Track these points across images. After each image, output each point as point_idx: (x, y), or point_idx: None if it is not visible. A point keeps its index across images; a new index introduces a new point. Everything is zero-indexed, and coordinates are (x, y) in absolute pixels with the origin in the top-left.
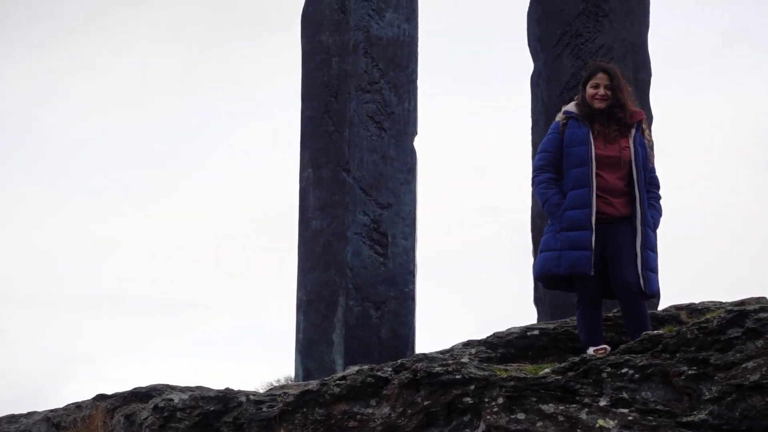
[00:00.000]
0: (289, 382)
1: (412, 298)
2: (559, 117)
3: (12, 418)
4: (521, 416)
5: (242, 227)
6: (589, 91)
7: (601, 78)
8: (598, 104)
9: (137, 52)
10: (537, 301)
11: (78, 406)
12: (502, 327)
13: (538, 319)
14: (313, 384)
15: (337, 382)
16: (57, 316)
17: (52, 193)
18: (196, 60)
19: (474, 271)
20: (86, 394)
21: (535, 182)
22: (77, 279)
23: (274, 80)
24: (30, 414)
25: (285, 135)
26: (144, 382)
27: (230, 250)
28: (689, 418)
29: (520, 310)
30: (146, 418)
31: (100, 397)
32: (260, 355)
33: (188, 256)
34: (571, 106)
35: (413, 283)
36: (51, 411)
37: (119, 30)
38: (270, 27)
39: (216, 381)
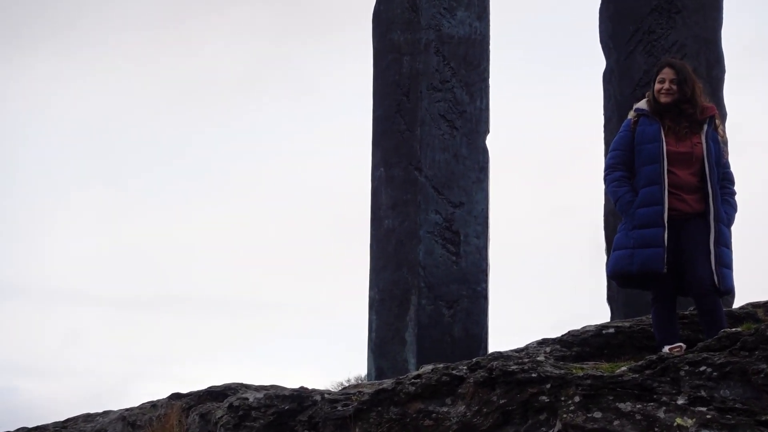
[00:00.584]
0: (359, 381)
1: (485, 297)
2: (631, 115)
3: (88, 417)
4: (598, 415)
5: (314, 227)
6: (656, 86)
7: (666, 73)
8: (663, 98)
9: (207, 52)
10: (610, 299)
11: (153, 405)
12: (574, 326)
13: (612, 318)
14: (387, 383)
15: (412, 380)
16: (131, 316)
17: (126, 194)
18: (267, 60)
19: (546, 270)
20: (160, 394)
21: (607, 181)
22: (151, 280)
23: (346, 79)
24: (106, 413)
25: (357, 134)
26: (218, 381)
27: (303, 249)
28: None
29: (593, 309)
30: (221, 417)
31: (176, 396)
32: (332, 355)
33: (261, 257)
34: (642, 104)
35: (486, 281)
36: (126, 410)
37: (189, 31)
38: (341, 26)
39: (288, 380)
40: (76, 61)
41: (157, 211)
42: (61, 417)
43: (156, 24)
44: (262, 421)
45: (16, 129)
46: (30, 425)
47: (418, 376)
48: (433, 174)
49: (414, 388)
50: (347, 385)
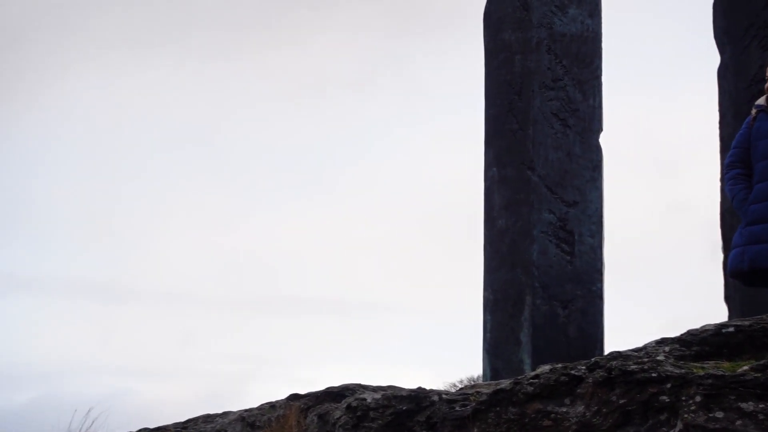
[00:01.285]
0: (473, 382)
1: (600, 297)
2: (752, 111)
3: (208, 418)
4: (720, 415)
5: (428, 227)
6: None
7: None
8: None
9: (318, 53)
10: (728, 298)
11: (272, 405)
12: (690, 325)
13: (729, 317)
14: (505, 383)
15: (530, 380)
16: (246, 318)
17: (238, 197)
18: (378, 60)
19: (662, 269)
20: (277, 394)
21: (725, 179)
22: (265, 281)
23: (457, 79)
24: (225, 413)
25: (469, 134)
26: (334, 381)
27: (416, 250)
28: None
29: (710, 308)
30: (339, 417)
31: (294, 397)
32: (445, 356)
33: (375, 257)
34: (761, 100)
35: (601, 281)
36: (246, 411)
37: (299, 32)
38: (451, 26)
39: (402, 380)
40: (186, 64)
41: (269, 212)
42: (180, 418)
43: (266, 24)
44: (380, 422)
45: (129, 135)
46: (151, 426)
47: (537, 376)
48: (546, 173)
49: (532, 388)
50: (461, 385)
